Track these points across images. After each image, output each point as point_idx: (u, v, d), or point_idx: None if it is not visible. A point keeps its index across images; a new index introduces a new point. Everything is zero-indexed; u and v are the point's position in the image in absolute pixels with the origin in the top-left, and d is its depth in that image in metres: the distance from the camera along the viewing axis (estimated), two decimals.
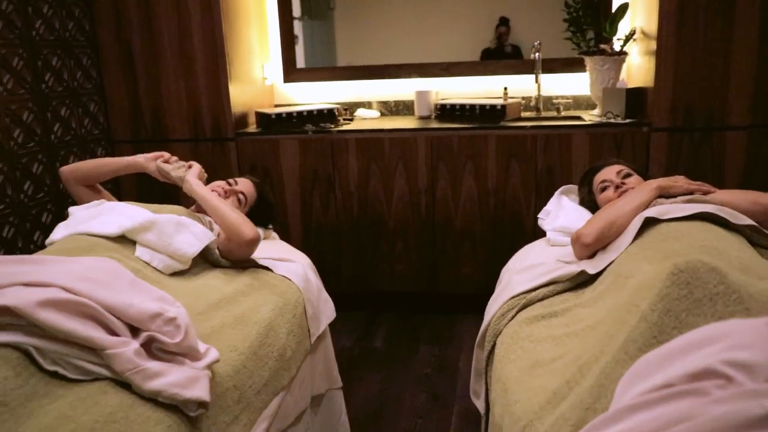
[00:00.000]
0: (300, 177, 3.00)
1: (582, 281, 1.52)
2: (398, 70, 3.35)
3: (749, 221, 1.54)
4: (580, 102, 3.18)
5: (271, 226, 2.18)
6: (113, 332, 1.16)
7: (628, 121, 2.71)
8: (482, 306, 1.83)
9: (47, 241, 1.63)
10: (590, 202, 2.01)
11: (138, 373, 1.11)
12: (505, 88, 3.11)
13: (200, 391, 1.16)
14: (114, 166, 2.02)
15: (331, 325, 1.99)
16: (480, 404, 1.61)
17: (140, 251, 1.62)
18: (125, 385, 1.13)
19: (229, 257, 1.81)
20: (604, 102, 2.84)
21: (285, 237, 3.05)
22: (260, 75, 3.31)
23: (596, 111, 2.96)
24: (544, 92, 3.16)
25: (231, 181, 2.02)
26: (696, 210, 1.52)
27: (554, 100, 3.13)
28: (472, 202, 2.88)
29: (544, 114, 3.12)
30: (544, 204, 2.25)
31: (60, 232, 1.64)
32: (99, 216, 1.67)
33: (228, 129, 3.00)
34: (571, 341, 1.22)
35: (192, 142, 3.05)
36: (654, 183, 1.76)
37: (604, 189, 1.96)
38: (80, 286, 1.16)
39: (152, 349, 1.19)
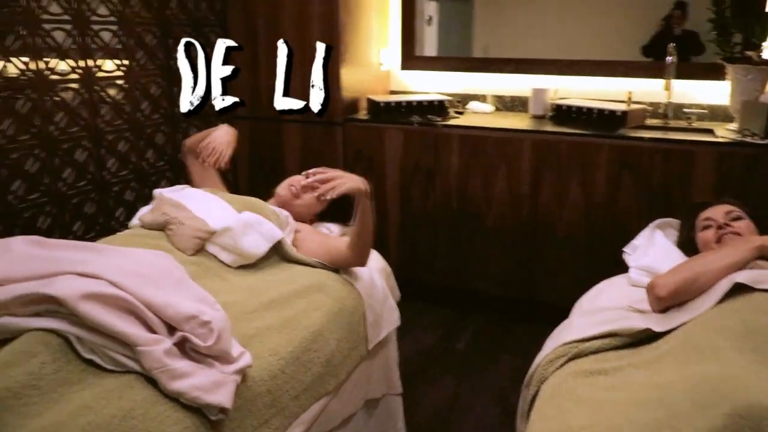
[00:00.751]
0: (401, 167, 2.99)
1: (645, 336, 1.36)
2: (514, 66, 3.18)
3: None
4: (717, 113, 2.83)
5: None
6: (151, 329, 1.22)
7: (767, 142, 2.38)
8: None
9: (131, 223, 1.76)
10: (689, 242, 1.79)
11: (164, 373, 1.17)
12: (630, 93, 2.85)
13: (222, 397, 1.20)
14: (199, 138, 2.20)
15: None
16: None
17: (209, 246, 1.70)
18: (154, 380, 1.19)
19: (322, 258, 1.84)
20: (742, 117, 2.51)
21: (382, 224, 3.06)
22: (377, 60, 3.31)
23: (733, 126, 2.63)
24: (678, 99, 2.86)
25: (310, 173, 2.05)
26: None
27: (686, 109, 2.82)
28: (577, 212, 2.70)
29: (671, 124, 2.82)
30: None
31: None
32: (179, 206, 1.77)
33: (337, 114, 3.04)
34: (608, 412, 1.10)
35: (302, 124, 3.13)
36: (757, 241, 1.52)
37: (705, 228, 1.74)
38: (127, 281, 1.23)
39: (186, 348, 1.25)
